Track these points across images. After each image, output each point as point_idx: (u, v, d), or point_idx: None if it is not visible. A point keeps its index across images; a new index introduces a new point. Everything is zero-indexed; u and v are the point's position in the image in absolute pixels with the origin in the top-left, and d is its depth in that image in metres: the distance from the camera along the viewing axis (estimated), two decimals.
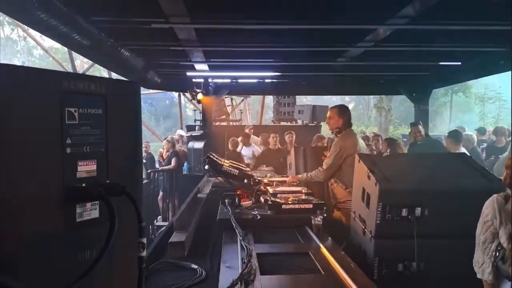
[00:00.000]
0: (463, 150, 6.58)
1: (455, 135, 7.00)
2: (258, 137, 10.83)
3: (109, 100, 1.28)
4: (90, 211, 1.21)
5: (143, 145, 11.76)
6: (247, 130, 11.07)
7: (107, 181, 1.26)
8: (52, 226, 1.11)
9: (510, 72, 6.99)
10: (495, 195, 2.72)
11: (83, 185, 1.20)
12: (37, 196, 1.08)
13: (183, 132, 13.65)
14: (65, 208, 1.15)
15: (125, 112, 1.35)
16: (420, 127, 7.70)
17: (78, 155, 1.19)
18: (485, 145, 9.79)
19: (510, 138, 9.02)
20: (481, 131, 11.41)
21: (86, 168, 1.21)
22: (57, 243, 1.13)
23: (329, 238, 3.30)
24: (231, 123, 18.88)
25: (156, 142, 23.09)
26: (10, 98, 1.01)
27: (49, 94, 1.12)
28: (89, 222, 1.21)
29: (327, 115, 5.15)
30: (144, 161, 11.39)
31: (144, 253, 1.22)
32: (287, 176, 5.81)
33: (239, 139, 10.17)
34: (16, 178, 1.03)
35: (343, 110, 5.08)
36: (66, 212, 1.16)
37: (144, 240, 1.22)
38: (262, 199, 4.19)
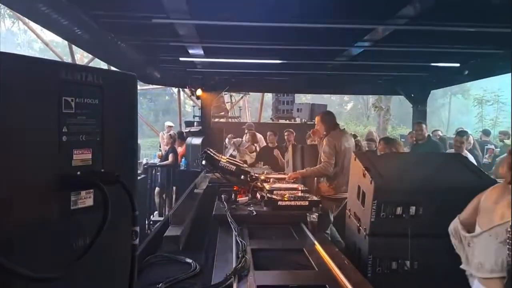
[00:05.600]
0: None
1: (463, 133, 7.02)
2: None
3: (106, 91, 1.29)
4: (85, 199, 1.23)
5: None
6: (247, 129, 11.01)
7: (102, 170, 1.28)
8: (46, 213, 1.13)
9: (510, 74, 6.98)
10: None
11: (78, 173, 1.22)
12: (32, 183, 1.09)
13: (171, 123, 14.94)
14: (59, 196, 1.17)
15: (122, 103, 1.36)
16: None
17: (74, 143, 1.21)
18: (489, 146, 9.81)
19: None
20: (486, 132, 11.48)
21: (81, 156, 1.22)
22: (51, 230, 1.14)
23: (324, 235, 3.33)
24: (230, 120, 18.92)
25: (155, 138, 23.13)
26: (7, 86, 1.02)
27: (47, 83, 1.13)
28: (84, 210, 1.23)
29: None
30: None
31: (137, 241, 1.23)
32: (284, 174, 5.82)
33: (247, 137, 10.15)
34: (12, 165, 1.04)
35: (324, 116, 5.47)
36: (60, 200, 1.17)
37: (137, 229, 1.24)
38: (258, 196, 4.20)
